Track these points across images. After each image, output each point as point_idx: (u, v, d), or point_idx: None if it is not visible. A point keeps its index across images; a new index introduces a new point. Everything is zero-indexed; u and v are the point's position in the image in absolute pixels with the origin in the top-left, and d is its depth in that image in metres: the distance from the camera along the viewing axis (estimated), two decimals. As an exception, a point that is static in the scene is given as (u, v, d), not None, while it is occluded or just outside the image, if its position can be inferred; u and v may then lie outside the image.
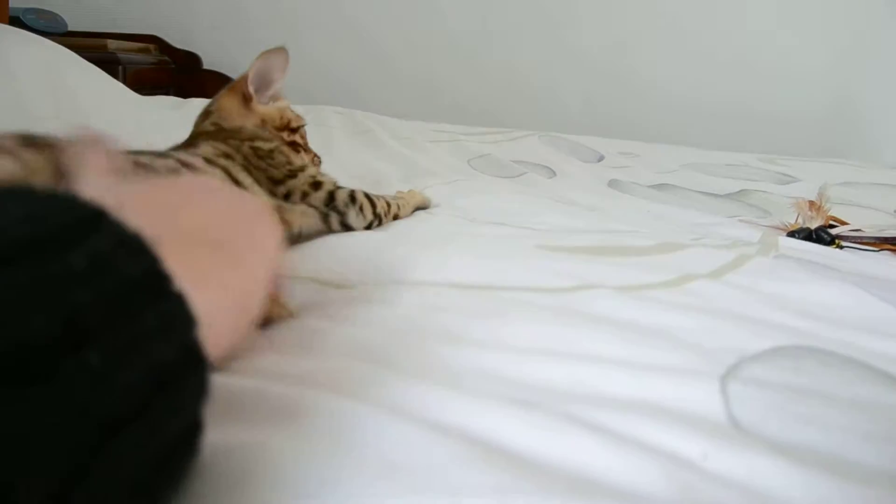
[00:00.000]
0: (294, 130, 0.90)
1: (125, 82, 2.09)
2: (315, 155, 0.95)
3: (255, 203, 0.47)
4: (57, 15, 2.31)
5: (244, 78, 0.88)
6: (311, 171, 0.84)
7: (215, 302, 0.32)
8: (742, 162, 1.78)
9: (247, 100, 0.88)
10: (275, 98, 0.91)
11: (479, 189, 1.17)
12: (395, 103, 2.39)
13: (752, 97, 2.51)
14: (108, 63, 2.07)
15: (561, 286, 0.65)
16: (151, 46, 2.44)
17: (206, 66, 2.54)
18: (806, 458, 0.36)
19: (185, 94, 2.11)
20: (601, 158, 1.69)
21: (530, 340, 0.52)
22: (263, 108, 0.89)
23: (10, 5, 2.15)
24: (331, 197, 0.82)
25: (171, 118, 1.48)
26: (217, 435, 0.29)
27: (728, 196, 1.41)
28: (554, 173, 1.47)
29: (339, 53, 2.53)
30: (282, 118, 0.90)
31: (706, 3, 2.52)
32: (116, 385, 0.22)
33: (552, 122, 2.29)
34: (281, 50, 0.89)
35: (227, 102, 0.88)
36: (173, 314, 0.25)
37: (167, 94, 2.19)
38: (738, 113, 2.52)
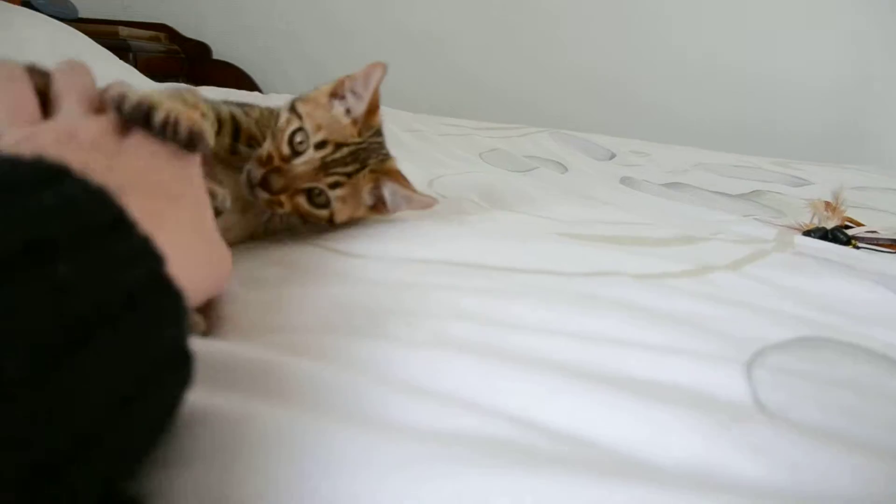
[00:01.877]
0: (293, 110, 0.76)
1: (136, 69, 2.09)
2: (269, 156, 0.75)
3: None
4: (68, 1, 2.30)
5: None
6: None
7: (178, 244, 0.35)
8: (754, 164, 1.77)
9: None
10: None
11: (493, 179, 1.15)
12: (400, 95, 2.38)
13: (762, 112, 2.50)
14: (119, 50, 2.06)
15: (579, 271, 0.64)
16: (162, 35, 2.44)
17: (216, 56, 2.54)
18: (843, 442, 0.35)
19: (194, 83, 2.10)
20: (612, 156, 1.68)
21: (546, 320, 0.51)
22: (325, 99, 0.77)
23: (21, -10, 2.16)
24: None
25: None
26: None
27: (741, 196, 1.39)
28: (566, 169, 1.46)
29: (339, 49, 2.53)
30: (308, 98, 0.78)
31: (701, 18, 2.51)
32: (85, 295, 0.24)
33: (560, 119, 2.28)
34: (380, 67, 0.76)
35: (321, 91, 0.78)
36: (141, 248, 0.27)
37: (177, 82, 2.19)
38: (750, 127, 2.50)
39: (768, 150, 2.30)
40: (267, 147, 0.70)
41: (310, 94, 0.76)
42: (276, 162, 0.69)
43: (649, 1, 2.51)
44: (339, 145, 0.71)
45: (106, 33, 2.12)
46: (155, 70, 2.22)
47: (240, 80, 2.36)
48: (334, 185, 0.71)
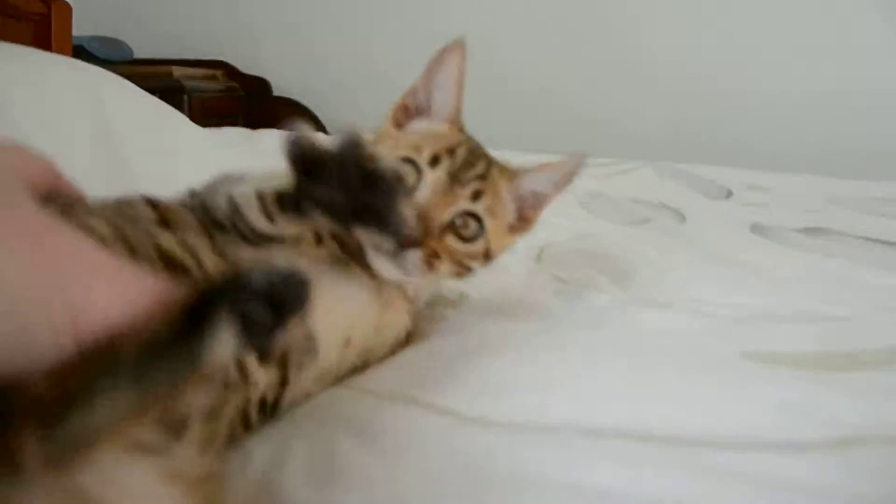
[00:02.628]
0: None
1: (191, 111, 1.95)
2: None
3: None
4: (122, 42, 2.19)
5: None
6: None
7: None
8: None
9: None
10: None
11: (608, 242, 0.94)
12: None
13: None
14: (173, 92, 1.94)
15: (812, 440, 0.42)
16: (219, 73, 2.31)
17: (276, 92, 2.39)
18: None
19: (254, 122, 1.97)
20: (729, 194, 1.44)
21: None
22: (390, 131, 0.64)
23: (76, 33, 2.05)
24: None
25: (232, 154, 1.31)
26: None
27: (901, 244, 1.14)
28: (683, 217, 1.23)
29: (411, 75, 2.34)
30: (376, 140, 0.64)
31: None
32: None
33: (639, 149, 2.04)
34: (458, 47, 0.62)
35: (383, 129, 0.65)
36: None
37: (235, 123, 2.05)
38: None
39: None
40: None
41: (373, 136, 0.63)
42: None
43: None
44: (451, 151, 0.59)
45: (160, 74, 1.99)
46: (211, 111, 2.08)
47: (302, 117, 2.20)
48: (476, 196, 0.58)
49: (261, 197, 0.48)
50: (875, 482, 0.39)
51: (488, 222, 0.59)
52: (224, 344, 0.28)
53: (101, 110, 1.08)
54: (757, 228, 1.20)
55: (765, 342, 0.58)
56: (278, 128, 1.69)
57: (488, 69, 2.06)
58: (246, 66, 2.40)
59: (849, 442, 0.42)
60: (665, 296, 0.72)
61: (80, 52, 1.98)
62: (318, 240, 0.52)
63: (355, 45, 2.40)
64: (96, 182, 0.52)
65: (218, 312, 0.28)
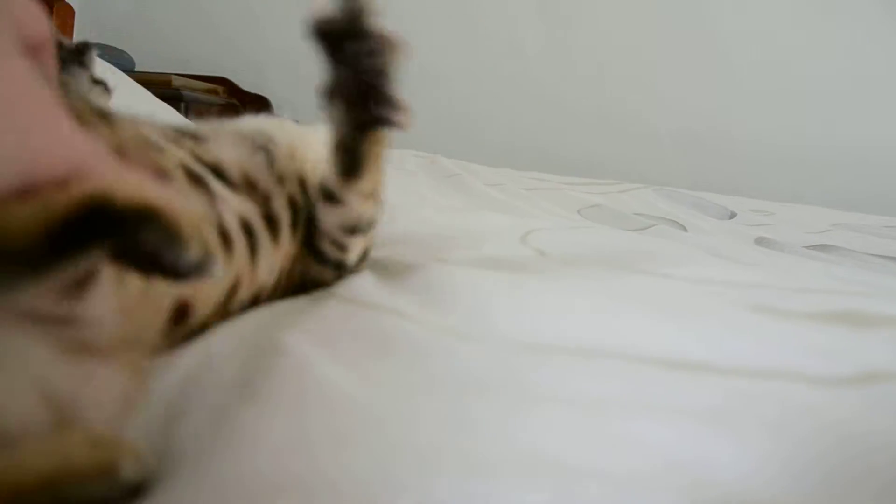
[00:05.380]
0: None
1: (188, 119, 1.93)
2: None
3: None
4: (124, 52, 2.18)
5: None
6: None
7: None
8: (904, 225, 1.46)
9: None
10: None
11: (605, 237, 0.89)
12: (469, 150, 2.14)
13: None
14: (171, 100, 1.92)
15: (838, 374, 0.37)
16: (220, 88, 2.29)
17: (276, 112, 2.38)
18: None
19: (252, 137, 1.93)
20: (733, 215, 1.40)
21: None
22: None
23: (79, 39, 2.02)
24: None
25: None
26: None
27: (918, 262, 1.09)
28: (685, 228, 1.19)
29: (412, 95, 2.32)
30: None
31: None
32: None
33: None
34: None
35: None
36: None
37: (233, 137, 2.02)
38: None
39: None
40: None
41: None
42: None
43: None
44: None
45: (158, 82, 1.97)
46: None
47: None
48: None
49: None
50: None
51: None
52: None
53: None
54: (763, 241, 1.16)
55: (772, 302, 0.53)
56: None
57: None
58: (248, 84, 2.39)
59: (873, 378, 0.37)
60: (660, 270, 0.66)
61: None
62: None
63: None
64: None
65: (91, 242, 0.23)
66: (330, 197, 0.48)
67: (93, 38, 2.00)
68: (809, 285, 0.66)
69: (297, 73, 2.50)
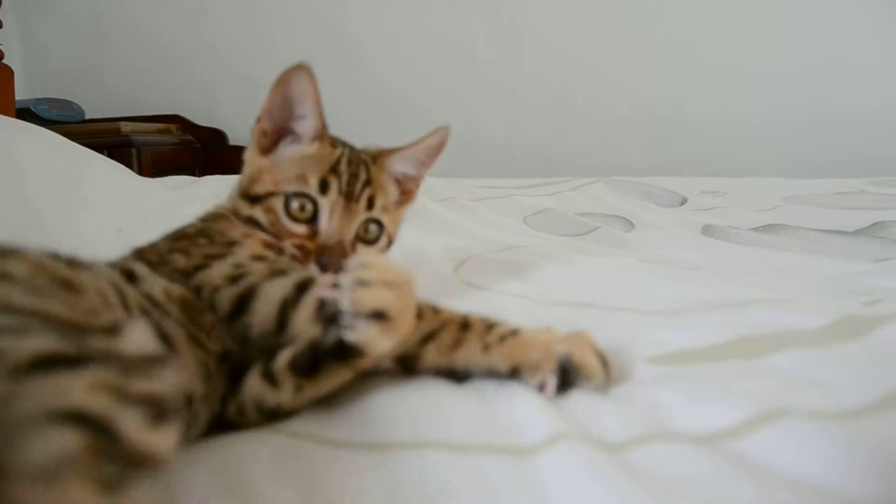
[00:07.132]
0: (257, 199, 0.60)
1: (140, 165, 1.92)
2: (302, 245, 0.59)
3: None
4: (73, 103, 2.16)
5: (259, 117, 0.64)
6: (237, 257, 0.51)
7: None
8: (856, 188, 1.47)
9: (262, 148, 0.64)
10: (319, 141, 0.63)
11: (544, 256, 0.89)
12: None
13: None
14: (122, 147, 1.90)
15: (723, 428, 0.37)
16: (173, 126, 2.28)
17: (232, 142, 2.36)
18: None
19: (210, 172, 1.92)
20: (684, 201, 1.40)
21: None
22: (261, 162, 0.62)
23: (27, 96, 2.02)
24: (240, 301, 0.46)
25: (173, 199, 1.27)
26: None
27: (860, 232, 1.10)
28: (632, 225, 1.19)
29: (366, 113, 2.29)
30: (251, 178, 0.61)
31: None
32: None
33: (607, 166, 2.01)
34: (300, 69, 0.60)
35: (249, 158, 0.64)
36: None
37: (192, 174, 2.00)
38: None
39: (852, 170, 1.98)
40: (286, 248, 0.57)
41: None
42: (307, 243, 0.58)
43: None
44: (334, 170, 0.60)
45: (107, 131, 1.96)
46: (165, 164, 2.05)
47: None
48: (370, 203, 0.62)
49: None
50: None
51: (385, 218, 0.63)
52: None
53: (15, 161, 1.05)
54: (708, 230, 1.16)
55: (680, 339, 0.53)
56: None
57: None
58: (201, 118, 2.37)
59: (763, 420, 0.37)
60: (584, 299, 0.67)
61: (27, 114, 1.95)
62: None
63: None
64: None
65: None
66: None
67: (39, 93, 2.00)
68: (728, 298, 0.66)
69: (248, 104, 2.49)
